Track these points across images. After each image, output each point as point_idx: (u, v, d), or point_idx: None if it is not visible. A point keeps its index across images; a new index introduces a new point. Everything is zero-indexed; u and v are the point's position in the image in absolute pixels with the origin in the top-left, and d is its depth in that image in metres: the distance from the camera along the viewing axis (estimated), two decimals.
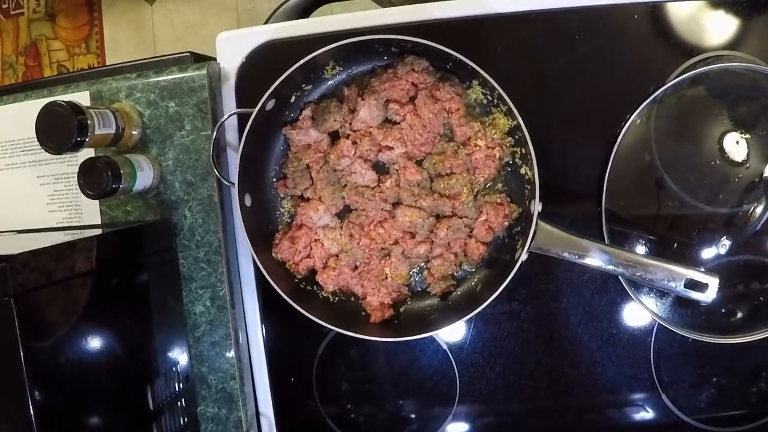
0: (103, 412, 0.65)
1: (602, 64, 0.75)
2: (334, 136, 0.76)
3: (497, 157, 0.72)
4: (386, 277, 0.75)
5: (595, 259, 0.67)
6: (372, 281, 0.75)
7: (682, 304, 0.74)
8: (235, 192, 0.71)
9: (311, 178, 0.76)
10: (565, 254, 0.67)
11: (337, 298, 0.77)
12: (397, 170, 0.74)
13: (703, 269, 0.66)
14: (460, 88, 0.73)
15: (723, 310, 0.74)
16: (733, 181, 0.73)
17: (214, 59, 0.81)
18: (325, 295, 0.77)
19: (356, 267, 0.76)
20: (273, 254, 0.76)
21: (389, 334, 0.73)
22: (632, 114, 0.71)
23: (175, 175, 0.79)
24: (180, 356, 0.78)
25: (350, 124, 0.74)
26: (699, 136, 0.74)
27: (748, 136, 0.72)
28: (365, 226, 0.75)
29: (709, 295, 0.65)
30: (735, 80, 0.73)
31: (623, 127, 0.72)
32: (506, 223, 0.73)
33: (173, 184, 0.79)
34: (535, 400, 0.79)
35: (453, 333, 0.79)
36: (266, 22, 0.92)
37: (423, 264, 0.76)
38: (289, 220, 0.78)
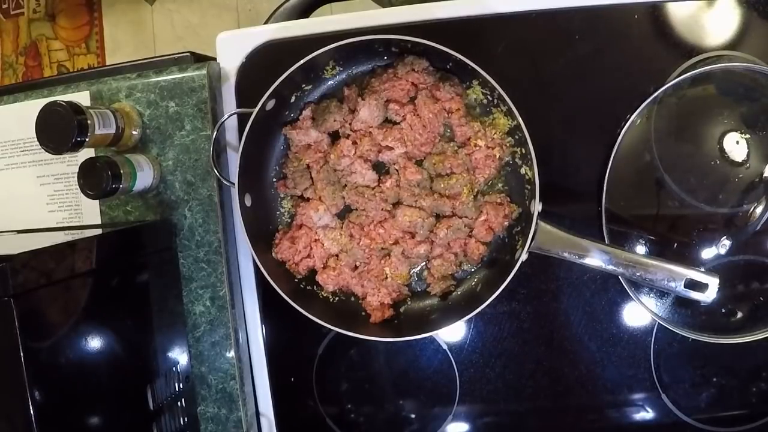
0: (103, 412, 0.65)
1: (602, 64, 0.75)
2: (334, 136, 0.76)
3: (497, 157, 0.72)
4: (386, 277, 0.75)
5: (595, 259, 0.67)
6: (372, 281, 0.75)
7: (682, 304, 0.74)
8: (235, 192, 0.71)
9: (311, 178, 0.76)
10: (565, 254, 0.67)
11: (337, 298, 0.77)
12: (397, 170, 0.74)
13: (703, 269, 0.66)
14: (460, 88, 0.73)
15: (723, 310, 0.74)
16: (733, 181, 0.73)
17: (214, 59, 0.81)
18: (325, 295, 0.77)
19: (356, 267, 0.76)
20: (273, 254, 0.76)
21: (389, 334, 0.73)
22: (632, 114, 0.71)
23: (175, 175, 0.79)
24: (180, 356, 0.78)
25: (350, 124, 0.74)
26: (699, 136, 0.74)
27: (748, 136, 0.72)
28: (365, 226, 0.75)
29: (709, 295, 0.65)
30: (735, 80, 0.73)
31: (623, 127, 0.72)
32: (506, 223, 0.73)
33: (173, 184, 0.79)
34: (535, 400, 0.79)
35: (453, 333, 0.79)
36: (266, 22, 0.92)
37: (423, 264, 0.76)
38: (289, 220, 0.78)
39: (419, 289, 0.77)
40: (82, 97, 0.80)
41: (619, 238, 0.74)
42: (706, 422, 0.76)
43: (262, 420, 0.83)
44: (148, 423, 0.71)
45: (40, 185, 0.84)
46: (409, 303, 0.77)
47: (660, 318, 0.74)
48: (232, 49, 0.80)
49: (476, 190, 0.73)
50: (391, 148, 0.73)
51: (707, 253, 0.74)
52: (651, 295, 0.75)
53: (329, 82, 0.76)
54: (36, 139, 0.69)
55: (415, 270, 0.77)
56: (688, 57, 0.73)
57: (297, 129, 0.75)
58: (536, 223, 0.67)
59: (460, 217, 0.73)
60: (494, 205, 0.73)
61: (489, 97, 0.73)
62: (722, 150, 0.73)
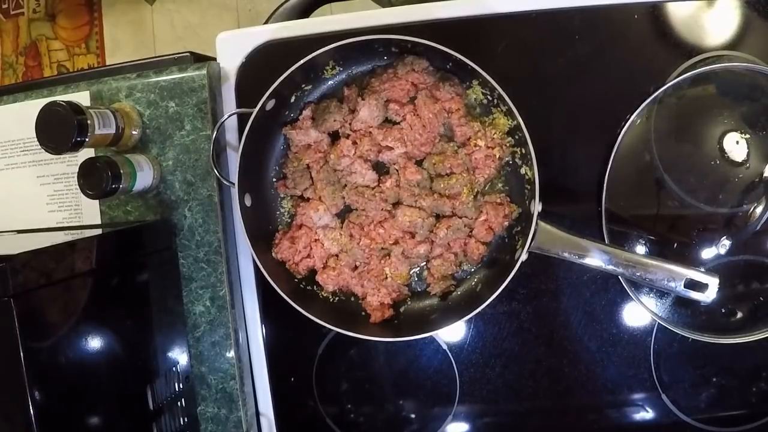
0: (103, 412, 0.65)
1: (602, 64, 0.75)
2: (334, 136, 0.76)
3: (497, 157, 0.72)
4: (386, 277, 0.75)
5: (595, 259, 0.67)
6: (372, 281, 0.75)
7: (682, 304, 0.74)
8: (235, 192, 0.71)
9: (311, 178, 0.76)
10: (565, 254, 0.67)
11: (337, 298, 0.77)
12: (397, 170, 0.74)
13: (703, 269, 0.66)
14: (460, 88, 0.73)
15: (723, 310, 0.74)
16: (733, 181, 0.73)
17: (214, 59, 0.81)
18: (325, 295, 0.77)
19: (356, 267, 0.76)
20: (273, 254, 0.76)
21: (389, 334, 0.73)
22: (632, 114, 0.71)
23: (175, 175, 0.79)
24: (180, 356, 0.78)
25: (350, 124, 0.74)
26: (699, 136, 0.74)
27: (748, 136, 0.72)
28: (365, 226, 0.75)
29: (709, 295, 0.65)
30: (735, 80, 0.73)
31: (623, 127, 0.72)
32: (506, 223, 0.73)
33: (173, 184, 0.79)
34: (535, 400, 0.79)
35: (453, 333, 0.79)
36: (266, 22, 0.92)
37: (423, 264, 0.76)
38: (289, 220, 0.78)
39: (419, 289, 0.77)
40: (82, 97, 0.80)
41: (619, 238, 0.74)
42: (706, 422, 0.76)
43: (262, 420, 0.83)
44: (148, 423, 0.71)
45: (40, 185, 0.84)
46: (409, 303, 0.77)
47: (660, 318, 0.74)
48: (232, 49, 0.80)
49: (476, 190, 0.73)
50: (391, 148, 0.73)
51: (707, 253, 0.74)
52: (651, 295, 0.75)
53: (329, 82, 0.76)
54: (36, 139, 0.69)
55: (415, 270, 0.77)
56: (688, 57, 0.73)
57: (297, 129, 0.75)
58: (536, 223, 0.67)
59: (460, 217, 0.73)
60: (494, 205, 0.73)
61: (489, 97, 0.73)
62: (722, 150, 0.73)
